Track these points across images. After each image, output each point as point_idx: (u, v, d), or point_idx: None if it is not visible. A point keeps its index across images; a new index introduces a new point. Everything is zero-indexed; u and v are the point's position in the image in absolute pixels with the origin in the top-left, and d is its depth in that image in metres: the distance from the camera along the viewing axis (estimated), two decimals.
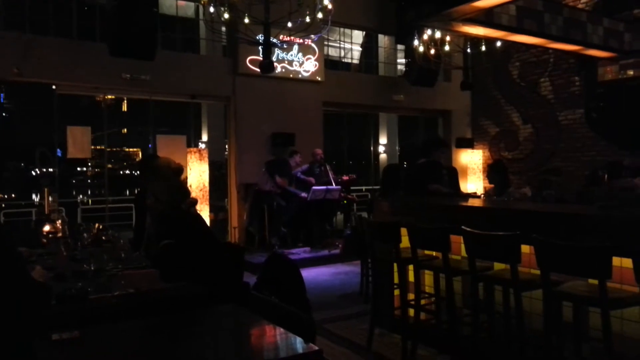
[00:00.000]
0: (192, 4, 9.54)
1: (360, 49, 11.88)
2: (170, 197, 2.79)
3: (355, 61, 11.86)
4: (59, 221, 3.78)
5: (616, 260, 2.91)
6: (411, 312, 4.04)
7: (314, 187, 8.09)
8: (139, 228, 3.85)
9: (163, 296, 2.44)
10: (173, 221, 2.75)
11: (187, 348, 1.83)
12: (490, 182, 6.67)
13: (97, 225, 4.16)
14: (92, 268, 2.59)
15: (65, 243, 3.03)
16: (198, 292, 2.48)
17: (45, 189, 6.71)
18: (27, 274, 1.72)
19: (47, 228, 4.01)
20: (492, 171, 6.35)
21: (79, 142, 7.83)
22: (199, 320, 2.21)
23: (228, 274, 2.93)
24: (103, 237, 3.19)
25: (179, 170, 3.17)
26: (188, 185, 8.33)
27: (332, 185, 8.35)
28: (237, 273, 3.22)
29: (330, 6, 6.36)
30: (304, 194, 8.18)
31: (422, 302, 4.09)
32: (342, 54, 11.42)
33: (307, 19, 6.40)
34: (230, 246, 3.37)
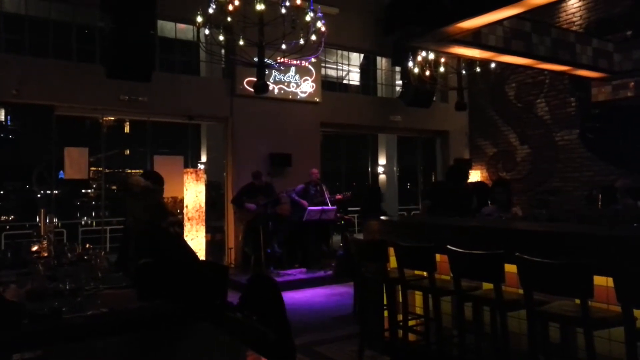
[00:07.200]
0: (191, 27, 9.68)
1: (359, 70, 11.99)
2: (148, 216, 2.78)
3: (355, 83, 11.95)
4: (45, 241, 3.77)
5: (602, 280, 2.87)
6: (401, 333, 3.98)
7: (310, 208, 8.06)
8: (124, 249, 3.84)
9: (137, 315, 2.42)
10: (151, 239, 2.74)
11: None
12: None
13: (87, 245, 4.15)
14: (68, 287, 2.57)
15: (44, 262, 3.01)
16: (173, 311, 2.45)
17: (42, 210, 6.72)
18: None
19: (34, 248, 4.01)
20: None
21: (75, 162, 7.87)
22: (166, 339, 2.18)
23: (208, 293, 2.90)
24: (85, 257, 3.18)
25: (147, 188, 3.16)
26: (184, 205, 8.34)
27: (327, 205, 8.32)
28: (220, 292, 3.18)
29: (323, 29, 6.43)
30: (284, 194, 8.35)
31: (412, 322, 4.03)
32: (342, 75, 11.51)
33: (301, 41, 6.46)
34: (213, 265, 3.35)
